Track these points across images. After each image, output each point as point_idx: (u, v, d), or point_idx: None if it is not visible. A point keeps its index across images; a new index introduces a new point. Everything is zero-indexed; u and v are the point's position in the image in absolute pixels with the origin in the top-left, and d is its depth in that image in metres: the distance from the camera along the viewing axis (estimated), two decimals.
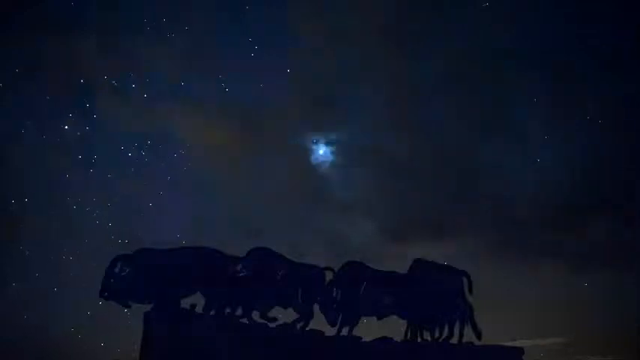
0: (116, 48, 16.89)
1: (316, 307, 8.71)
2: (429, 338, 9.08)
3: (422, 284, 9.13)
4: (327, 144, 18.50)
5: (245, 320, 8.35)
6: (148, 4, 17.23)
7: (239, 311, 8.37)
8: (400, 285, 9.07)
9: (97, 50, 16.62)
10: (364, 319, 8.96)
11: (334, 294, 8.66)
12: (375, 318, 9.06)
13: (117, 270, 7.85)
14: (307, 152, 18.57)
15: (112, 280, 7.84)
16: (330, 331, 8.64)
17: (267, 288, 8.52)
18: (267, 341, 8.19)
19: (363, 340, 8.75)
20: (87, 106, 16.86)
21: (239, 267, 8.39)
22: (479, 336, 9.16)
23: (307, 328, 8.65)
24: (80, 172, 16.67)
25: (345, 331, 8.65)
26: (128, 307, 8.02)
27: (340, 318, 8.66)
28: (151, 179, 17.33)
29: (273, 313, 8.61)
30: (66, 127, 16.61)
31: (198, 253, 8.42)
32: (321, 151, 18.44)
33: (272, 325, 8.48)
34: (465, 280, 9.43)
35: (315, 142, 18.36)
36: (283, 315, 8.67)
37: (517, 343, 10.18)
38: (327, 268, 8.95)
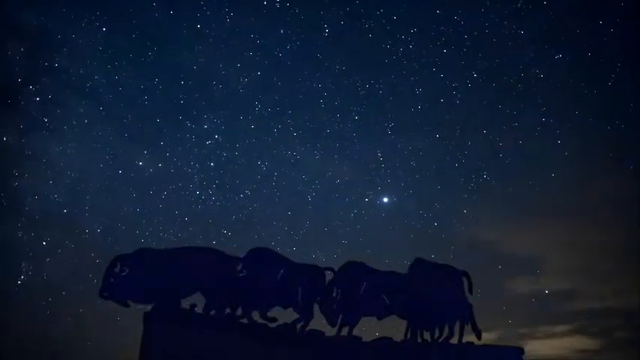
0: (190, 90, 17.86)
1: (316, 307, 8.72)
2: (429, 338, 9.07)
3: (422, 284, 9.12)
4: None
5: (245, 320, 8.34)
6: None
7: (239, 311, 8.36)
8: (400, 285, 9.07)
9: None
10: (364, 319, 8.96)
11: (334, 294, 8.65)
12: (375, 318, 9.06)
13: (117, 270, 7.84)
14: None
15: (111, 280, 7.83)
16: (330, 331, 8.64)
17: (267, 288, 8.51)
18: (267, 341, 8.19)
19: (363, 340, 8.75)
20: (161, 144, 17.82)
21: (239, 267, 8.38)
22: (479, 336, 9.16)
23: (307, 328, 8.65)
24: (151, 207, 17.61)
25: (345, 331, 8.65)
26: (127, 306, 8.01)
27: (340, 318, 8.66)
28: (216, 218, 18.01)
29: (273, 313, 8.59)
30: (140, 163, 17.51)
31: (198, 253, 8.42)
32: None
33: (272, 325, 8.46)
34: (464, 279, 9.43)
35: None
36: (283, 315, 8.67)
37: None
38: (327, 269, 8.95)
